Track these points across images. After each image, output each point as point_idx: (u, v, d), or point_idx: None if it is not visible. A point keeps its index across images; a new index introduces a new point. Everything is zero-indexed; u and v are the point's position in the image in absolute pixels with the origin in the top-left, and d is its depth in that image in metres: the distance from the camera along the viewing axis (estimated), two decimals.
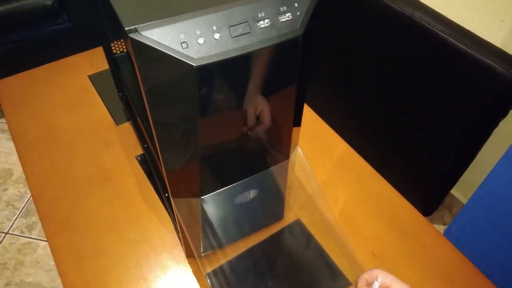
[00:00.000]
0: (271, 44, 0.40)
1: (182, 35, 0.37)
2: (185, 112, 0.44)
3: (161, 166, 0.55)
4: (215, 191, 0.62)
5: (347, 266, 0.71)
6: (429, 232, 0.76)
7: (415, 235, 0.76)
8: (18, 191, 1.60)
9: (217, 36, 0.38)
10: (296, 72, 0.47)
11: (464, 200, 1.48)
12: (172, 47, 0.37)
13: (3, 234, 1.48)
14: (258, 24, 0.39)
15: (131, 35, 0.36)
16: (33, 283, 1.35)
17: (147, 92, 0.41)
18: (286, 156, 0.66)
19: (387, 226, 0.77)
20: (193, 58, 0.37)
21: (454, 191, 1.51)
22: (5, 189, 1.61)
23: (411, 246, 0.74)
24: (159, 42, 0.36)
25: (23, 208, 1.55)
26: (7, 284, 1.35)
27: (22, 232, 1.48)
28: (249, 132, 0.53)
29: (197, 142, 0.49)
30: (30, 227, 1.50)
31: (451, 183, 0.98)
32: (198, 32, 0.38)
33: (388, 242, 0.75)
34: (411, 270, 0.71)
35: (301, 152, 0.68)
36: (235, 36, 0.39)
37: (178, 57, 0.37)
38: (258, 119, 0.52)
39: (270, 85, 0.48)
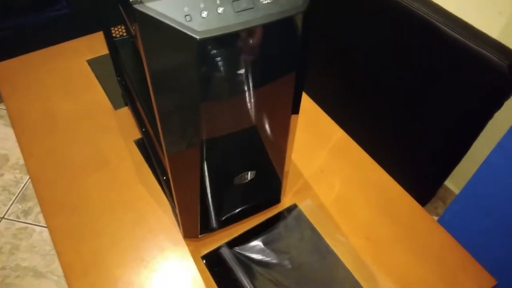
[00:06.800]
0: (274, 20, 0.41)
1: (186, 8, 0.38)
2: (187, 89, 0.45)
3: (162, 146, 0.55)
4: (215, 175, 0.63)
5: (343, 250, 0.72)
6: (423, 218, 0.78)
7: (409, 220, 0.77)
8: (14, 176, 1.60)
9: (220, 10, 0.39)
10: (298, 52, 0.48)
11: (458, 191, 1.50)
12: (176, 19, 0.37)
13: None
14: (261, 0, 0.40)
15: (136, 6, 0.36)
16: (29, 268, 1.35)
17: (149, 67, 0.42)
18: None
19: (381, 212, 0.78)
20: (196, 31, 0.38)
21: (448, 183, 1.53)
22: (1, 175, 1.60)
23: (405, 231, 0.76)
24: (163, 14, 0.37)
25: (19, 193, 1.55)
26: (2, 268, 1.35)
27: (17, 217, 1.48)
28: (250, 115, 0.54)
29: (198, 122, 0.49)
30: (26, 213, 1.50)
31: (445, 173, 0.99)
32: (202, 6, 0.38)
33: (382, 227, 0.76)
34: (405, 254, 0.72)
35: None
36: (238, 11, 0.39)
37: (182, 29, 0.37)
38: (257, 105, 0.53)
39: (271, 65, 0.48)
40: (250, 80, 0.48)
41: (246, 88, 0.49)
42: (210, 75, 0.43)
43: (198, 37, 0.38)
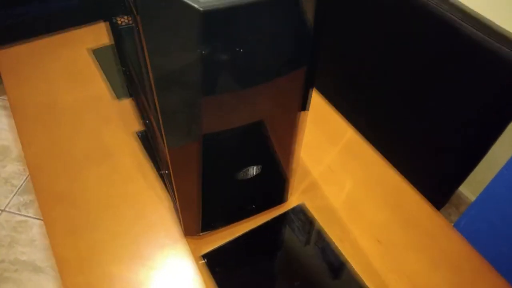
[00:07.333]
0: None
1: None
2: (189, 73, 0.41)
3: (162, 137, 0.52)
4: (218, 170, 0.59)
5: (352, 253, 0.68)
6: (437, 222, 0.73)
7: (422, 224, 0.73)
8: (17, 168, 1.58)
9: None
10: (310, 37, 0.44)
11: (473, 198, 1.45)
12: None
13: None
14: None
15: None
16: (27, 262, 1.32)
17: (148, 45, 0.38)
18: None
19: (393, 214, 0.74)
20: (199, 1, 0.34)
21: (462, 189, 1.48)
22: (4, 166, 1.59)
23: (418, 234, 0.71)
24: None
25: (21, 185, 1.53)
26: (0, 261, 1.33)
27: (18, 210, 1.46)
28: (256, 107, 0.50)
29: (200, 111, 0.46)
30: (27, 205, 1.47)
31: (461, 177, 0.95)
32: None
33: (394, 230, 0.72)
34: (417, 259, 0.68)
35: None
36: None
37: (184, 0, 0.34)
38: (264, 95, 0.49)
39: (280, 50, 0.44)
40: (257, 66, 0.44)
41: (252, 76, 0.45)
42: (214, 56, 0.39)
43: (201, 8, 0.34)
